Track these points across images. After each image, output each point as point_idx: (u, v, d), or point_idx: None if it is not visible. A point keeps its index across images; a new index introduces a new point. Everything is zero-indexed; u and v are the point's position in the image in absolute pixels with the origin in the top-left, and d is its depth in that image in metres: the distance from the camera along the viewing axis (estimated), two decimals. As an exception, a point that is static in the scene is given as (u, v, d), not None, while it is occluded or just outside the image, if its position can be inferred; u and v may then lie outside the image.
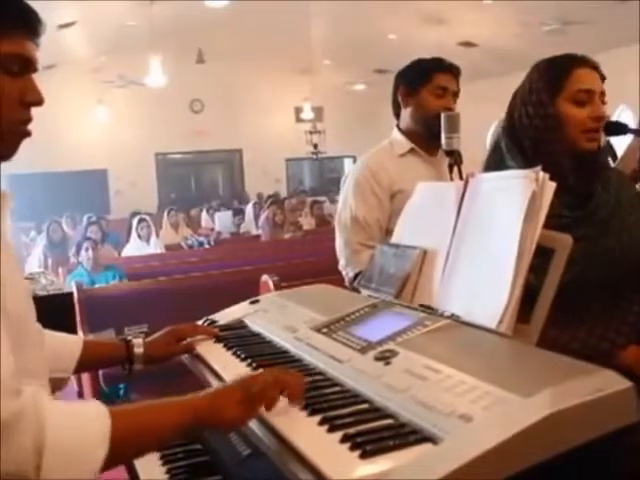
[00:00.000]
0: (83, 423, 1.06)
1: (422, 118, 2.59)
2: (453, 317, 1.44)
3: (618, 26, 10.36)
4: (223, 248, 8.61)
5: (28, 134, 1.24)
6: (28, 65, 1.23)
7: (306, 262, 5.95)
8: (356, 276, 2.51)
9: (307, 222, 10.76)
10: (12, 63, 1.19)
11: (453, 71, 2.64)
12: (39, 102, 1.23)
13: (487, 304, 1.38)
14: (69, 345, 1.63)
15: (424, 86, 2.59)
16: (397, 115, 2.74)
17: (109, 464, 1.05)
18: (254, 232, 10.73)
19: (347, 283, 2.59)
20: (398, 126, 2.73)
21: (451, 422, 0.99)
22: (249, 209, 11.83)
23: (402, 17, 13.04)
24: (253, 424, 1.19)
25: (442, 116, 2.20)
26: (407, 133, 2.68)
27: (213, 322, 1.90)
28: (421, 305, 1.58)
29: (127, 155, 17.21)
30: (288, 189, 19.29)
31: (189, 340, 1.74)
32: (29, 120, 1.24)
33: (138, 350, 1.68)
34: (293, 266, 5.67)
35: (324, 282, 2.15)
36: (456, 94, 2.62)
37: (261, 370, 1.32)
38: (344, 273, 2.64)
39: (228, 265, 6.19)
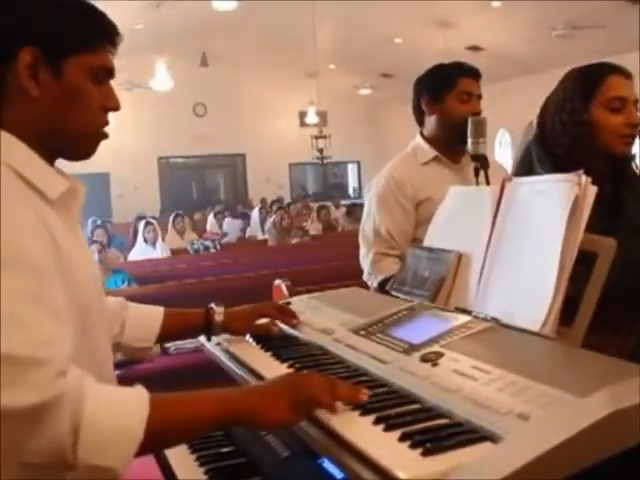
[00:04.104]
0: (121, 407, 1.08)
1: (449, 124, 2.60)
2: (494, 320, 1.45)
3: (629, 30, 10.28)
4: (231, 253, 8.60)
5: (107, 136, 1.35)
6: (110, 74, 1.33)
7: (317, 267, 5.97)
8: (381, 284, 2.53)
9: (314, 227, 10.77)
10: (100, 74, 1.31)
11: (475, 74, 2.66)
12: (117, 108, 1.35)
13: (529, 307, 1.39)
14: (150, 315, 1.69)
15: (449, 92, 2.60)
16: (420, 122, 2.75)
17: (143, 451, 1.07)
18: (260, 237, 10.74)
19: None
20: (422, 133, 2.74)
21: (509, 421, 1.01)
22: (255, 214, 11.83)
23: (408, 21, 13.07)
24: (305, 425, 1.19)
25: (469, 120, 2.21)
26: (431, 140, 2.69)
27: None
28: (457, 308, 1.59)
29: (129, 159, 17.17)
30: (291, 194, 19.30)
31: (268, 322, 1.77)
32: (107, 124, 1.35)
33: (218, 318, 1.72)
34: (304, 271, 5.68)
35: (338, 287, 2.16)
36: (480, 97, 2.63)
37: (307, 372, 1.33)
38: (369, 284, 2.66)
39: (237, 270, 6.20)
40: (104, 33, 1.31)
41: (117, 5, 11.49)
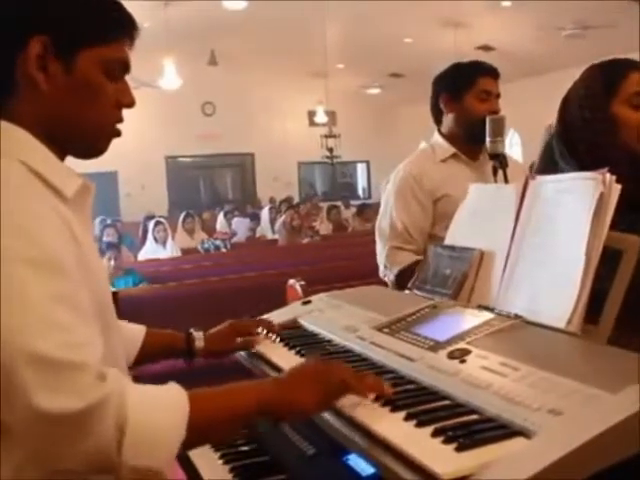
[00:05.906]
0: (162, 406, 1.07)
1: (467, 123, 2.61)
2: (517, 317, 1.46)
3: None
4: (242, 252, 8.63)
5: (119, 134, 1.29)
6: (126, 69, 1.28)
7: (329, 267, 5.98)
8: (397, 277, 2.53)
9: (324, 227, 10.78)
10: (114, 68, 1.24)
11: (494, 74, 2.67)
12: (132, 104, 1.28)
13: (554, 305, 1.40)
14: (132, 333, 1.63)
15: (468, 91, 2.61)
16: (437, 121, 2.77)
17: (183, 448, 1.07)
18: (270, 236, 10.76)
19: (391, 288, 2.60)
20: (440, 131, 2.76)
21: (541, 416, 1.01)
22: (265, 213, 11.86)
23: (418, 20, 13.04)
24: (336, 422, 1.20)
25: (487, 120, 2.22)
26: (450, 138, 2.70)
27: None
28: (479, 306, 1.60)
29: (137, 158, 17.07)
30: (300, 193, 19.30)
31: (248, 338, 1.76)
32: (121, 120, 1.28)
33: (199, 344, 1.70)
34: (316, 271, 5.68)
35: (350, 287, 2.15)
36: (498, 96, 2.64)
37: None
38: (386, 279, 2.67)
39: (248, 269, 6.20)
40: (120, 25, 1.25)
41: (124, 3, 11.53)
